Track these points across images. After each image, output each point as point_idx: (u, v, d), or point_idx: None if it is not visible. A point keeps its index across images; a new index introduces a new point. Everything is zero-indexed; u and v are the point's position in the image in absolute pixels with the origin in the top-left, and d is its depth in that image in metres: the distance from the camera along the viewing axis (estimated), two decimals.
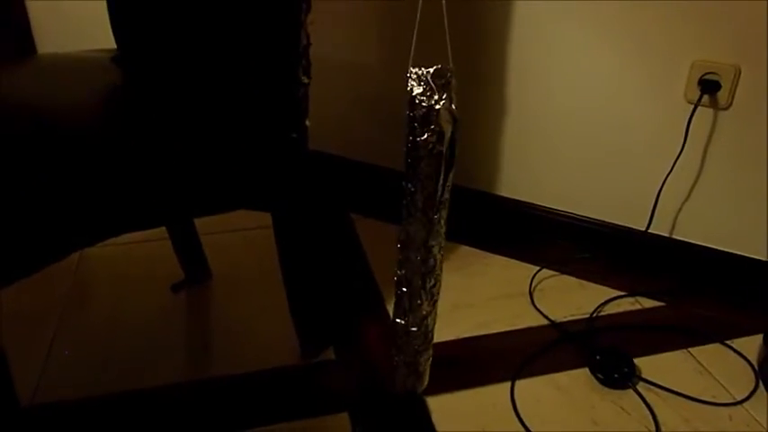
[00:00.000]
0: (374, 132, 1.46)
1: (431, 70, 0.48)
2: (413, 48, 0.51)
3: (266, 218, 0.95)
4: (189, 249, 1.24)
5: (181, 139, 0.76)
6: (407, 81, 0.49)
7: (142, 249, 1.33)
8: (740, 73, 1.09)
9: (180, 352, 1.08)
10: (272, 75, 0.82)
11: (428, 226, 0.53)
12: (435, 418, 0.94)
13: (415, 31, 0.51)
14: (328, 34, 1.40)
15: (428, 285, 0.57)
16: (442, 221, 0.54)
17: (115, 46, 0.97)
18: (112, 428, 0.93)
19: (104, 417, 0.95)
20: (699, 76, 1.11)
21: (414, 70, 0.49)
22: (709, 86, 1.11)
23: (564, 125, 1.27)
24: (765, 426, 0.94)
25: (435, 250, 0.56)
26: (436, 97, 0.49)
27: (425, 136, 0.50)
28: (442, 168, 0.51)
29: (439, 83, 0.48)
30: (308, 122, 0.89)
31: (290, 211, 0.91)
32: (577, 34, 1.19)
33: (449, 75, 0.48)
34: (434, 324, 0.60)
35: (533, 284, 1.26)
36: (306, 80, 0.85)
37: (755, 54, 1.06)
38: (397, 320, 0.59)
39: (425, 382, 0.64)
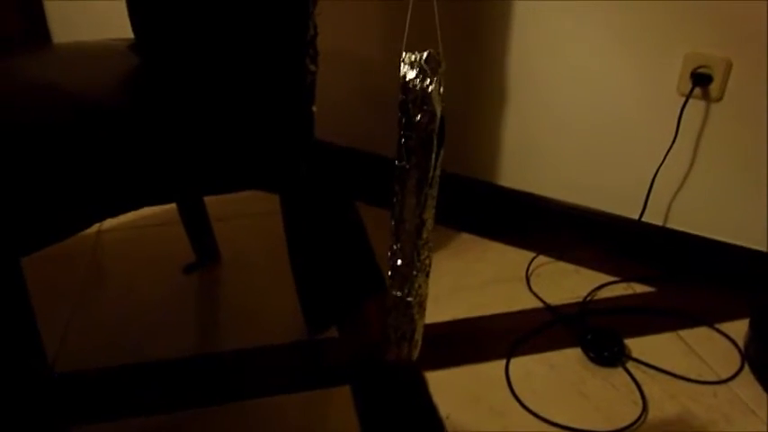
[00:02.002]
0: (377, 124, 1.51)
1: (424, 55, 0.53)
2: (405, 34, 0.56)
3: (274, 204, 1.00)
4: (200, 233, 1.29)
5: (195, 121, 0.81)
6: (401, 66, 0.54)
7: (156, 233, 1.39)
8: (731, 66, 1.13)
9: (191, 328, 1.14)
10: (282, 63, 0.88)
11: (421, 200, 0.58)
12: (432, 390, 0.99)
13: (408, 17, 0.56)
14: (335, 28, 1.45)
15: (422, 257, 0.62)
16: (433, 197, 0.59)
17: (129, 36, 1.03)
18: (128, 397, 0.98)
19: (120, 386, 1.00)
20: (691, 69, 1.15)
21: (407, 56, 0.54)
22: (701, 79, 1.15)
23: (561, 117, 1.31)
24: (749, 403, 0.99)
25: (428, 224, 0.60)
26: (428, 81, 0.54)
27: (419, 117, 0.55)
28: (434, 146, 0.56)
29: (431, 67, 0.53)
30: (314, 108, 0.94)
31: (298, 192, 0.97)
32: (575, 27, 1.23)
33: (439, 60, 0.53)
34: (427, 295, 0.65)
35: (530, 270, 1.31)
36: (313, 68, 0.90)
37: (747, 48, 1.10)
38: (394, 293, 0.64)
39: (417, 353, 0.69)
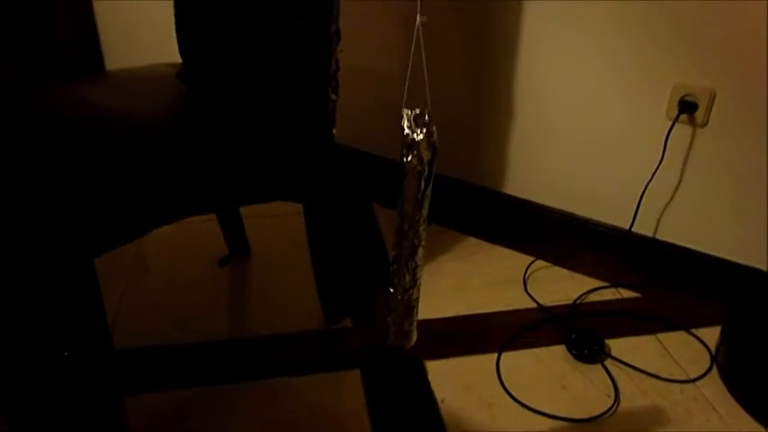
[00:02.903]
0: (393, 133, 1.64)
1: (416, 112, 0.67)
2: (405, 92, 0.70)
3: (298, 206, 1.15)
4: (233, 229, 1.45)
5: (233, 145, 0.96)
6: (401, 119, 0.68)
7: (193, 228, 1.55)
8: (715, 96, 1.24)
9: (223, 314, 1.30)
10: (307, 93, 1.02)
11: (410, 223, 0.73)
12: (431, 377, 1.14)
13: (406, 85, 0.69)
14: (358, 47, 1.59)
15: (411, 266, 0.75)
16: (422, 220, 0.73)
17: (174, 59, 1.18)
18: (169, 373, 1.15)
19: (162, 363, 1.17)
20: (679, 97, 1.27)
21: (404, 111, 0.68)
22: (687, 107, 1.26)
23: (561, 134, 1.43)
24: (712, 401, 1.11)
25: (416, 241, 0.74)
26: (418, 131, 0.68)
27: (410, 158, 0.69)
28: (422, 183, 0.70)
29: (419, 122, 0.67)
30: (334, 131, 1.08)
31: (318, 204, 1.11)
32: (576, 56, 1.35)
33: (426, 117, 0.67)
34: (417, 296, 0.78)
35: (528, 273, 1.44)
36: (334, 97, 1.05)
37: (729, 80, 1.21)
38: (390, 289, 0.78)
39: (412, 342, 0.83)
